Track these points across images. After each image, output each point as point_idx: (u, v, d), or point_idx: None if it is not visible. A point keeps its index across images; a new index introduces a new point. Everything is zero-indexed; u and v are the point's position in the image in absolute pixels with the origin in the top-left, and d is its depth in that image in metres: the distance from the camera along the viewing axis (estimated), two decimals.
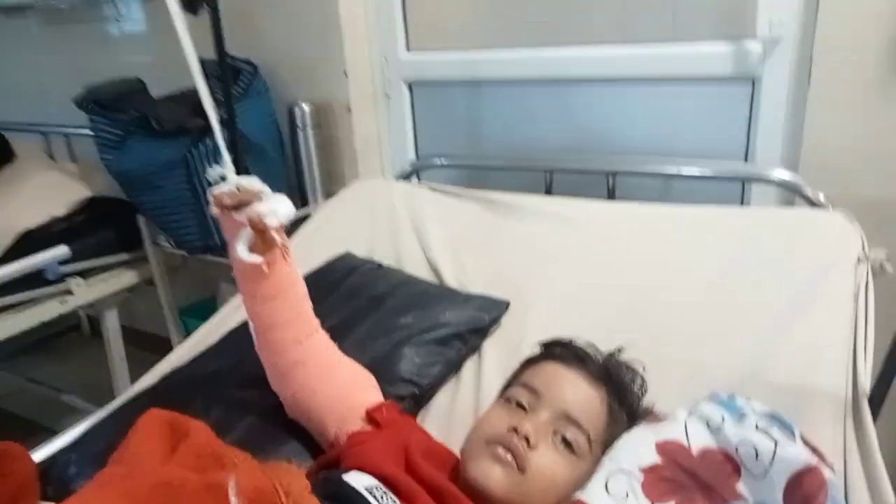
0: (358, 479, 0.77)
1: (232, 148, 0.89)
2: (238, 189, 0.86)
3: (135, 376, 1.26)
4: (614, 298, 1.18)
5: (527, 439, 0.77)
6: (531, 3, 1.72)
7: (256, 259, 0.86)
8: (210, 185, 0.88)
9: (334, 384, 0.94)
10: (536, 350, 0.93)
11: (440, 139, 1.97)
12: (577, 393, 0.83)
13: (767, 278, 1.12)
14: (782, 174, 1.34)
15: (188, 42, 0.80)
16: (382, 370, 1.04)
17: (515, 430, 0.78)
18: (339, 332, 1.07)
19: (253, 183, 0.88)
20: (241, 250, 0.87)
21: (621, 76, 1.65)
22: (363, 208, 1.56)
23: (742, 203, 1.58)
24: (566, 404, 0.81)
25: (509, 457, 0.76)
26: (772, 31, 1.42)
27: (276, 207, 0.87)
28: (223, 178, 0.88)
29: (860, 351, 0.97)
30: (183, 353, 1.19)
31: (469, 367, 1.15)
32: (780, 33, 1.42)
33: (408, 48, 1.93)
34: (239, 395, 1.01)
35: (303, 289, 0.96)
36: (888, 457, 0.82)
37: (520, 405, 0.83)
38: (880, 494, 0.77)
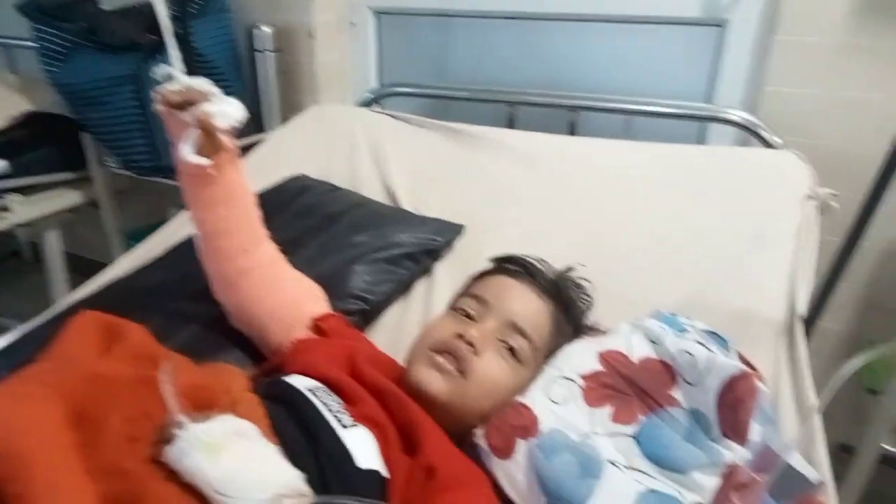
0: (300, 381, 0.77)
1: (185, 67, 0.84)
2: (186, 89, 0.82)
3: None
4: (570, 233, 1.18)
5: (472, 345, 0.78)
6: None
7: (203, 161, 0.83)
8: (157, 84, 0.84)
9: (281, 293, 0.92)
10: (488, 265, 0.93)
11: (405, 71, 1.93)
12: (524, 304, 0.83)
13: (720, 214, 1.14)
14: (741, 115, 1.35)
15: None
16: (332, 286, 1.02)
17: (461, 336, 0.78)
18: (290, 249, 1.04)
19: (202, 84, 0.84)
20: (187, 151, 0.83)
21: (590, 15, 1.62)
22: (320, 132, 1.52)
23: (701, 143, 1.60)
24: (513, 314, 0.81)
25: (451, 365, 0.77)
26: None
27: (226, 109, 0.84)
28: (171, 78, 0.84)
29: (800, 279, 1.00)
30: (125, 265, 1.15)
31: (420, 287, 1.15)
32: None
33: None
34: (181, 305, 0.99)
35: (251, 198, 0.93)
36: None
37: (468, 315, 0.83)
38: (805, 403, 0.80)
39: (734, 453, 0.71)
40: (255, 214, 0.93)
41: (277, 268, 0.94)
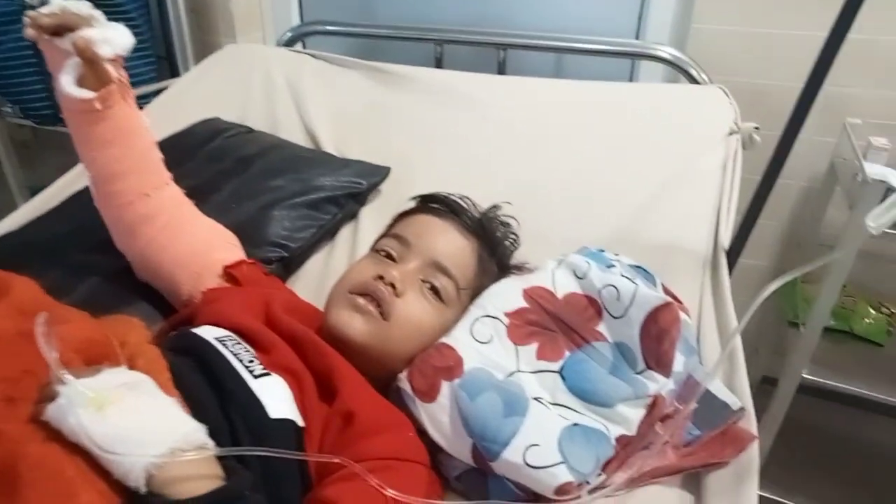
0: (208, 332, 0.71)
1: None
2: (61, 12, 0.73)
3: None
4: (498, 172, 1.15)
5: (393, 286, 0.74)
6: None
7: (86, 94, 0.75)
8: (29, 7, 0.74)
9: (188, 240, 0.86)
10: (410, 204, 0.88)
11: (328, 9, 1.82)
12: (448, 242, 0.80)
13: (647, 150, 1.13)
14: (669, 51, 1.34)
15: None
16: (248, 233, 0.96)
17: (381, 277, 0.74)
18: (200, 195, 0.97)
19: (81, 6, 0.75)
20: (67, 83, 0.75)
21: None
22: (236, 74, 1.42)
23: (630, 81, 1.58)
24: (436, 253, 0.78)
25: (371, 306, 0.73)
26: None
27: (110, 35, 0.76)
28: (44, 1, 0.75)
29: (724, 212, 1.00)
30: (18, 217, 1.05)
31: (345, 232, 1.10)
32: None
33: None
34: (81, 257, 0.91)
35: (149, 137, 0.85)
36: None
37: (389, 256, 0.79)
38: (727, 332, 0.80)
39: (658, 384, 0.70)
40: (154, 155, 0.86)
41: (183, 214, 0.87)
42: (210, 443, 0.53)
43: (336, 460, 0.58)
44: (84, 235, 0.93)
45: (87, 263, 0.90)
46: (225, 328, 0.73)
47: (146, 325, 0.69)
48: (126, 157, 0.82)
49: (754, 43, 1.44)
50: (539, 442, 0.64)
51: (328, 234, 1.08)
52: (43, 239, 0.95)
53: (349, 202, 1.09)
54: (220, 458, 0.54)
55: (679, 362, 0.76)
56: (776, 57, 1.42)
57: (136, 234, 0.84)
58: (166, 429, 0.52)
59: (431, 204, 0.86)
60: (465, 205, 0.85)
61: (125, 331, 0.68)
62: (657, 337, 0.71)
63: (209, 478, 0.51)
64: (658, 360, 0.71)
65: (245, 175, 1.06)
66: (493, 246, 0.84)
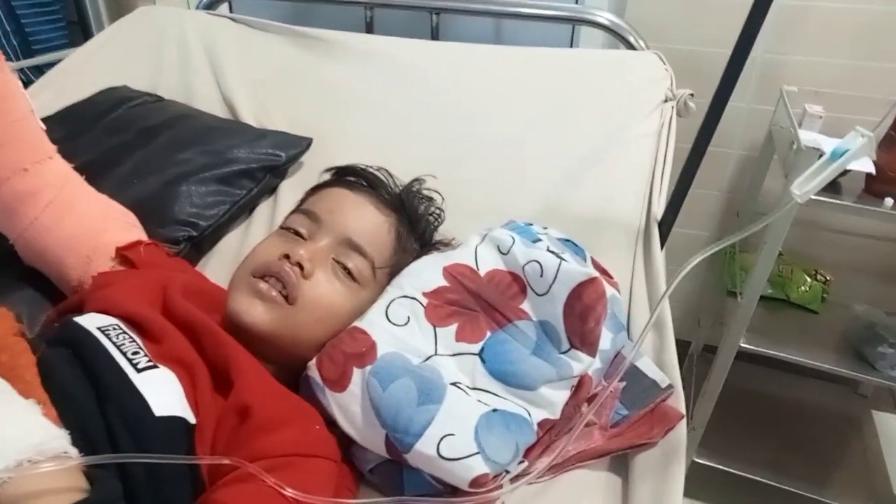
0: (91, 320, 0.64)
1: None
2: None
3: None
4: (426, 144, 1.09)
5: (300, 266, 0.68)
6: None
7: None
8: None
9: (76, 220, 0.78)
10: (325, 177, 0.82)
11: None
12: (362, 218, 0.74)
13: (579, 117, 1.08)
14: (607, 16, 1.28)
15: None
16: (151, 211, 0.89)
17: (287, 257, 0.68)
18: (96, 170, 0.89)
19: None
20: None
21: None
22: (147, 38, 1.31)
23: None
24: (349, 230, 0.72)
25: (275, 291, 0.66)
26: None
27: None
28: None
29: (657, 182, 0.97)
30: None
31: (263, 209, 1.03)
32: None
33: None
34: None
35: (26, 106, 0.76)
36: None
37: (298, 234, 0.73)
38: (660, 307, 0.77)
39: (583, 364, 0.67)
40: (32, 125, 0.77)
41: (71, 191, 0.79)
42: (72, 451, 0.47)
43: (226, 461, 0.53)
44: None
45: None
46: (113, 315, 0.66)
47: (10, 313, 0.62)
48: None
49: (692, 9, 1.41)
50: (454, 431, 0.60)
51: (243, 210, 1.01)
52: None
53: (266, 176, 1.02)
54: (92, 466, 0.48)
55: (606, 339, 0.72)
56: (713, 23, 1.39)
57: (17, 215, 0.76)
58: (14, 438, 0.45)
59: (346, 177, 0.79)
60: (383, 178, 0.79)
61: None
62: (581, 314, 0.66)
63: (68, 491, 0.45)
64: (583, 338, 0.67)
65: (149, 147, 0.98)
66: (414, 222, 0.78)
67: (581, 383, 0.68)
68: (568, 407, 0.67)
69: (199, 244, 0.94)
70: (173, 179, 0.94)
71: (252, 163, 1.00)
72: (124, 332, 0.63)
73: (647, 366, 0.72)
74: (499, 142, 1.06)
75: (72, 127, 1.01)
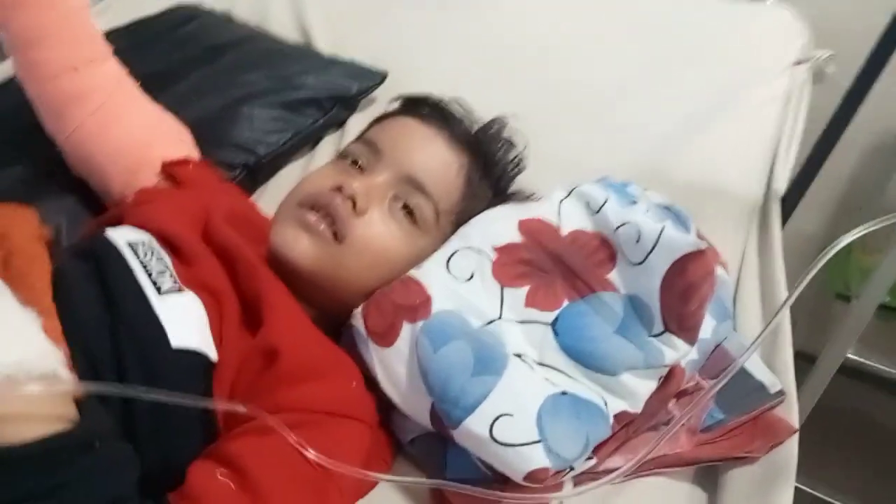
0: (123, 234, 0.57)
1: None
2: None
3: None
4: (511, 85, 0.97)
5: (353, 201, 0.58)
6: None
7: None
8: None
9: (124, 129, 0.71)
10: (395, 104, 0.72)
11: None
12: (429, 154, 0.63)
13: (694, 71, 0.94)
14: None
15: None
16: (208, 132, 0.82)
17: (340, 189, 0.59)
18: (157, 83, 0.83)
19: None
20: None
21: None
22: None
23: None
24: (413, 166, 0.62)
25: (324, 224, 0.58)
26: None
27: None
28: None
29: (781, 154, 0.82)
30: None
31: (328, 143, 0.95)
32: None
33: None
34: (6, 139, 0.77)
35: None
36: None
37: (356, 163, 0.63)
38: (774, 298, 0.64)
39: (678, 352, 0.55)
40: (85, 21, 0.70)
41: (122, 97, 0.73)
42: (63, 373, 0.40)
43: (242, 409, 0.45)
44: (16, 117, 0.79)
45: (14, 147, 0.76)
46: (147, 231, 0.59)
47: (36, 217, 0.56)
48: (45, 19, 0.67)
49: None
50: (513, 411, 0.50)
51: (307, 141, 0.93)
52: None
53: (335, 107, 0.93)
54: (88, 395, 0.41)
55: (708, 327, 0.60)
56: None
57: (63, 117, 0.70)
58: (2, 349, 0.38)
59: (417, 107, 0.69)
60: (458, 111, 0.68)
61: (9, 223, 0.54)
62: (683, 292, 0.54)
63: (48, 420, 0.38)
64: (681, 321, 0.55)
65: (214, 65, 0.91)
66: (489, 165, 0.67)
67: (671, 375, 0.56)
68: (652, 401, 0.55)
69: (255, 173, 0.87)
70: (235, 101, 0.87)
71: (320, 91, 0.92)
72: (154, 250, 0.56)
73: (755, 364, 0.60)
74: (594, 91, 0.93)
75: (138, 38, 0.96)
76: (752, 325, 0.64)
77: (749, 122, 0.86)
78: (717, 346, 0.61)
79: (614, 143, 0.86)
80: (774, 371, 0.59)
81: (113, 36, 0.96)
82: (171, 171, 0.71)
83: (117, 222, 0.64)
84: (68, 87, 0.69)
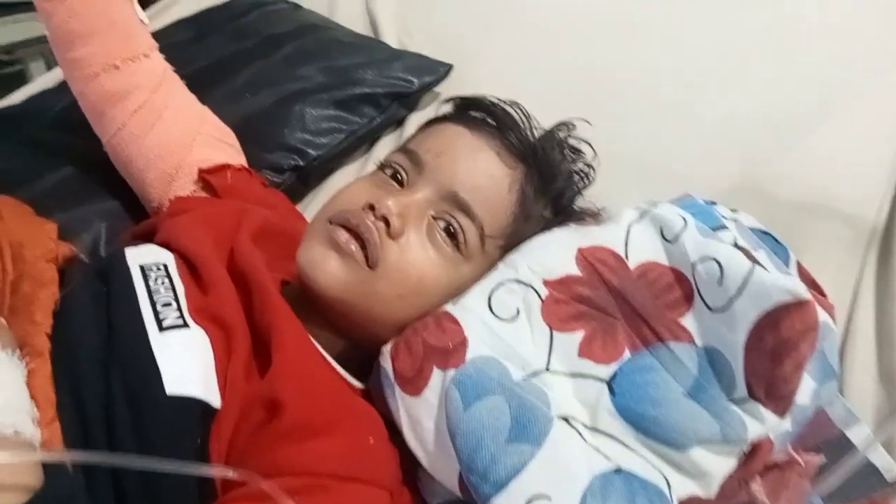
0: (140, 255, 0.54)
1: None
2: None
3: None
4: (588, 76, 0.87)
5: (386, 222, 0.51)
6: None
7: None
8: None
9: (164, 130, 0.67)
10: (446, 107, 0.64)
11: None
12: (475, 167, 0.55)
13: (799, 57, 0.79)
14: None
15: None
16: (257, 132, 0.78)
17: (372, 207, 0.52)
18: (208, 78, 0.80)
19: None
20: None
21: None
22: None
23: None
24: (456, 181, 0.54)
25: (354, 245, 0.51)
26: None
27: None
28: None
29: None
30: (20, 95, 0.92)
31: (385, 144, 0.88)
32: None
33: None
34: (54, 138, 0.76)
35: None
36: None
37: (396, 177, 0.56)
38: (894, 351, 0.51)
39: (764, 425, 0.44)
40: (126, 14, 0.67)
41: (165, 96, 0.69)
42: (26, 432, 0.36)
43: (232, 475, 0.39)
44: (67, 112, 0.77)
45: (61, 147, 0.75)
46: (172, 249, 0.55)
47: (54, 232, 0.53)
48: (86, 14, 0.64)
49: None
50: (552, 493, 0.41)
51: (363, 142, 0.87)
52: (14, 114, 0.81)
53: (393, 104, 0.86)
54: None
55: (806, 390, 0.49)
56: None
57: (105, 118, 0.68)
58: None
59: (469, 111, 0.61)
60: (516, 117, 0.59)
61: (26, 240, 0.51)
62: (774, 351, 0.44)
63: (10, 490, 0.34)
64: (771, 387, 0.44)
65: (270, 58, 0.86)
66: (547, 180, 0.58)
67: (756, 451, 0.46)
68: (731, 481, 0.45)
69: (306, 176, 0.82)
70: (287, 97, 0.82)
71: (378, 87, 0.85)
72: (166, 276, 0.51)
73: (865, 440, 0.48)
74: (682, 80, 0.80)
75: (200, 29, 0.93)
76: (866, 388, 0.52)
77: (873, 118, 0.71)
78: (820, 412, 0.50)
79: (703, 148, 0.75)
80: (893, 452, 0.48)
81: (177, 27, 0.94)
82: (208, 178, 0.67)
83: (152, 233, 0.61)
84: (109, 87, 0.66)
